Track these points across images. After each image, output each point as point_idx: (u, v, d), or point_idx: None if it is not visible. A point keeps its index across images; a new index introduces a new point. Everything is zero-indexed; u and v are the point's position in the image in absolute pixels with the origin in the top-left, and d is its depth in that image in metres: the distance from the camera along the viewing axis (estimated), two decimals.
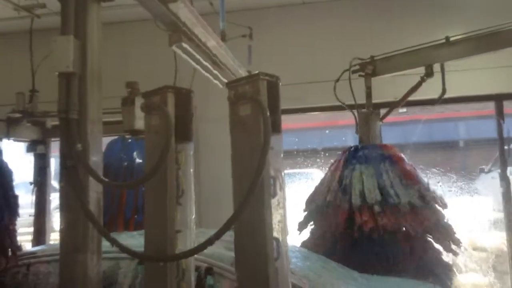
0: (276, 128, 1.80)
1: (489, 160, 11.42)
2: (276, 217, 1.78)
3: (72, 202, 1.95)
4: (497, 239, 7.45)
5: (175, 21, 2.83)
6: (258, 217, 1.74)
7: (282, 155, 1.86)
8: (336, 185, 4.53)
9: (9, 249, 4.10)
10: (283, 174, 1.85)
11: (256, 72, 1.80)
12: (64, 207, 1.99)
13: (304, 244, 4.55)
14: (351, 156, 4.72)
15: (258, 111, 1.74)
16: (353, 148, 4.87)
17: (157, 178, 1.87)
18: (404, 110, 6.64)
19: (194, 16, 2.82)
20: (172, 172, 1.94)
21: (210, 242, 1.67)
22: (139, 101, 3.51)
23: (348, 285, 2.91)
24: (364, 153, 4.67)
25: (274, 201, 1.78)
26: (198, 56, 3.39)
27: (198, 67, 3.55)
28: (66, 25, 2.04)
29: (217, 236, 1.64)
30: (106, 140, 5.25)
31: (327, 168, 5.17)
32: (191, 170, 2.05)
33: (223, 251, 2.73)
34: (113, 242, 1.88)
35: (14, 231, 4.31)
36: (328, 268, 3.28)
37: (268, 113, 1.72)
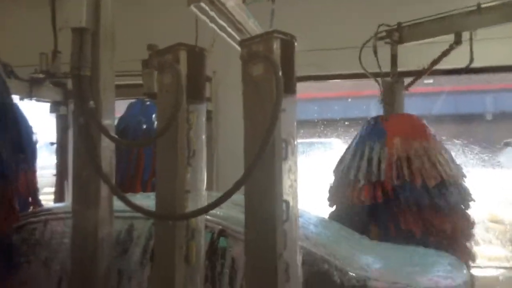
0: (289, 89, 1.74)
1: None
2: (286, 181, 1.74)
3: (83, 160, 1.96)
4: None
5: None
6: (268, 179, 1.71)
7: (295, 118, 1.81)
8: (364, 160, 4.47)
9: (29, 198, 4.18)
10: (295, 138, 1.80)
11: (270, 30, 1.73)
12: (76, 164, 2.00)
13: (332, 216, 4.55)
14: (371, 130, 4.64)
15: (270, 71, 1.69)
16: (375, 120, 4.76)
17: (168, 137, 1.85)
18: (431, 81, 6.46)
19: None
20: (183, 132, 1.91)
21: (218, 202, 1.66)
22: None
23: (366, 255, 2.88)
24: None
25: (285, 164, 1.74)
26: (217, 18, 3.31)
27: (217, 29, 3.47)
28: None
29: (226, 196, 1.62)
30: (126, 103, 5.27)
31: (347, 138, 5.10)
32: (203, 131, 2.02)
33: (238, 215, 2.72)
34: (124, 200, 1.89)
35: (35, 182, 4.37)
36: (350, 238, 3.25)
37: (281, 73, 1.66)
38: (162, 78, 1.97)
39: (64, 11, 1.97)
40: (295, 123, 1.80)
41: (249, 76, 1.77)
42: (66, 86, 5.63)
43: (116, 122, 3.82)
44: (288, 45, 1.75)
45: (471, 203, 4.46)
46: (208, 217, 2.39)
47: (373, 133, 4.70)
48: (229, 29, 3.59)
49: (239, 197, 2.17)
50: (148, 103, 4.98)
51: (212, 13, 3.21)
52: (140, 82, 4.65)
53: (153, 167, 4.81)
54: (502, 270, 5.23)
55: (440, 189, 4.29)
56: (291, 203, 1.76)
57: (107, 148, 2.00)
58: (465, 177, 4.57)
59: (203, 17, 3.24)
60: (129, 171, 4.73)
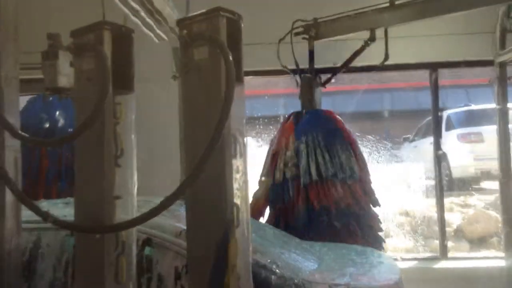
0: (238, 77, 1.52)
1: (411, 130, 11.95)
2: (236, 180, 1.52)
3: None
4: (423, 205, 7.77)
5: None
6: (216, 180, 1.48)
7: (244, 111, 1.60)
8: (292, 159, 4.38)
9: None
10: (244, 134, 1.59)
11: (214, 7, 1.50)
12: None
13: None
14: (300, 125, 4.56)
15: (217, 54, 1.45)
16: (297, 115, 4.70)
17: (91, 133, 1.53)
18: (333, 80, 6.58)
19: None
20: (110, 128, 1.61)
21: (159, 209, 1.39)
22: (62, 56, 3.06)
23: (303, 258, 2.75)
24: (314, 122, 4.53)
25: (234, 162, 1.52)
26: (131, 2, 2.99)
27: (128, 13, 3.15)
28: None
29: (169, 202, 1.36)
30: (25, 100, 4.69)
31: (265, 136, 5.01)
32: (133, 126, 1.73)
33: (164, 220, 2.44)
34: (35, 210, 1.54)
35: None
36: (285, 241, 3.11)
37: (231, 58, 1.43)
38: (81, 64, 1.64)
39: None
40: (244, 118, 1.59)
41: (191, 61, 1.52)
42: None
43: None
44: (235, 25, 1.54)
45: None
46: None
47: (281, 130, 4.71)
48: (143, 14, 3.28)
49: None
50: (50, 99, 4.46)
51: None
52: (40, 76, 4.15)
53: (58, 168, 4.32)
54: (414, 262, 5.45)
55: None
56: (240, 206, 1.55)
57: (11, 148, 1.63)
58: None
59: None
60: (29, 175, 4.18)
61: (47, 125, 4.37)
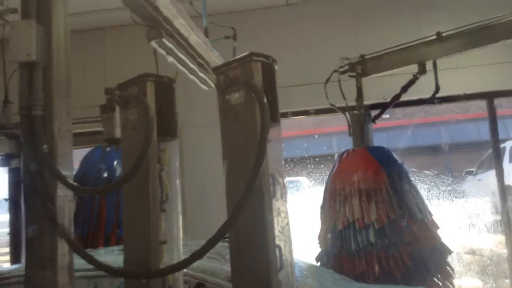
0: (274, 118, 1.55)
1: (473, 163, 11.43)
2: (278, 222, 1.52)
3: (37, 213, 1.67)
4: (491, 242, 7.30)
5: (153, 14, 2.58)
6: (257, 222, 1.48)
7: (282, 151, 1.61)
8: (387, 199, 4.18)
9: None
10: (284, 174, 1.60)
11: (248, 53, 1.55)
12: (29, 218, 1.70)
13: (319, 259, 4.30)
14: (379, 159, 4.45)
15: (253, 98, 1.49)
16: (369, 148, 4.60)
17: (137, 180, 1.60)
18: (387, 116, 6.49)
19: (174, 6, 2.58)
20: (154, 174, 1.67)
21: (201, 253, 1.40)
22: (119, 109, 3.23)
23: None
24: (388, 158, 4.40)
25: (275, 203, 1.52)
26: (180, 54, 3.15)
27: (180, 66, 3.30)
28: (27, 8, 1.78)
29: (210, 245, 1.37)
30: (84, 153, 4.96)
31: (317, 175, 4.95)
32: (177, 171, 1.78)
33: (215, 265, 2.45)
34: (87, 258, 1.60)
35: None
36: (345, 285, 3.01)
37: (265, 100, 1.47)
38: (127, 114, 1.74)
39: (11, 44, 1.72)
40: (283, 158, 1.60)
41: (228, 106, 1.57)
42: (18, 137, 5.31)
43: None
44: (269, 69, 1.57)
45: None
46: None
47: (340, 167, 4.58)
48: (193, 66, 3.44)
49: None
50: (108, 149, 4.68)
51: (175, 49, 3.05)
52: (99, 129, 4.40)
53: (116, 219, 4.48)
54: None
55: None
56: (283, 247, 1.54)
57: (64, 198, 1.71)
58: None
59: (164, 53, 3.07)
60: (90, 224, 4.36)
61: (105, 175, 4.56)
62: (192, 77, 3.56)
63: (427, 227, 4.12)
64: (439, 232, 4.21)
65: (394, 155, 4.58)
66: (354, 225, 4.09)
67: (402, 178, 4.25)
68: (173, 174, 1.75)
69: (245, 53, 1.55)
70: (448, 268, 4.14)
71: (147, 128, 1.57)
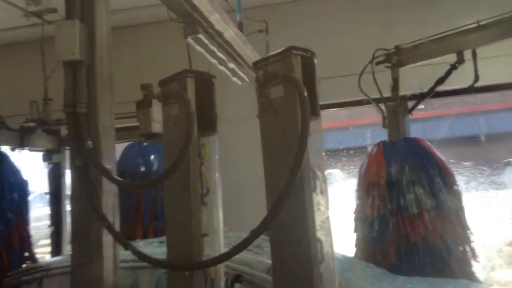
0: (314, 111, 1.55)
1: None
2: (318, 215, 1.52)
3: (83, 206, 1.73)
4: None
5: (189, 10, 2.60)
6: (298, 215, 1.48)
7: (323, 144, 1.61)
8: (386, 193, 4.22)
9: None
10: (324, 167, 1.60)
11: (287, 47, 1.55)
12: (75, 211, 1.77)
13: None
14: (391, 154, 4.41)
15: (292, 92, 1.49)
16: (385, 144, 4.56)
17: (178, 175, 1.63)
18: (422, 106, 6.36)
19: (210, 2, 2.59)
20: (195, 168, 1.69)
21: (243, 245, 1.42)
22: (155, 104, 3.28)
23: None
24: (407, 151, 4.37)
25: (315, 197, 1.53)
26: (214, 48, 3.17)
27: (214, 61, 3.32)
28: (71, 9, 1.83)
29: (252, 238, 1.39)
30: (122, 147, 5.06)
31: (352, 168, 4.92)
32: (217, 166, 1.81)
33: (252, 256, 2.47)
34: (131, 249, 1.65)
35: (28, 237, 4.14)
36: (386, 279, 3.00)
37: (306, 93, 1.47)
38: (168, 110, 1.77)
39: (56, 43, 1.78)
40: (323, 151, 1.60)
41: (267, 100, 1.57)
42: (58, 133, 5.47)
43: None
44: (309, 62, 1.57)
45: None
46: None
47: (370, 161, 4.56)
48: (227, 60, 3.45)
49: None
50: (145, 144, 4.77)
51: (210, 44, 3.07)
52: (135, 124, 4.49)
53: (153, 212, 4.56)
54: None
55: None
56: (324, 240, 1.54)
57: (109, 192, 1.77)
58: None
59: (200, 49, 3.09)
60: (128, 217, 4.46)
61: (143, 169, 4.65)
62: (224, 69, 3.58)
63: (424, 221, 4.04)
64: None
65: (425, 146, 4.48)
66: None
67: (403, 174, 4.20)
68: (213, 168, 1.78)
69: (284, 47, 1.55)
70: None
71: (188, 123, 1.59)
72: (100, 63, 1.87)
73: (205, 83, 1.77)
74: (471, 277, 3.89)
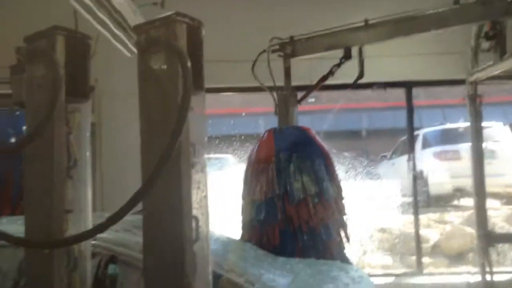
0: (198, 84, 1.46)
1: (389, 149, 12.09)
2: (195, 194, 1.45)
3: None
4: (400, 222, 7.76)
5: None
6: (173, 191, 1.40)
7: (205, 119, 1.54)
8: (274, 177, 4.28)
9: None
10: (205, 144, 1.53)
11: (173, 12, 1.44)
12: None
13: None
14: (280, 141, 4.48)
15: (175, 62, 1.39)
16: (275, 131, 4.63)
17: (41, 143, 1.45)
18: (312, 100, 6.59)
19: None
20: (61, 137, 1.52)
21: (109, 223, 1.30)
22: None
23: (280, 276, 2.67)
24: (295, 138, 4.46)
25: (194, 174, 1.45)
26: (100, 15, 2.95)
27: (100, 28, 3.09)
28: None
29: (118, 216, 1.28)
30: None
31: (243, 153, 4.94)
32: (87, 136, 1.65)
33: (130, 237, 2.34)
34: None
35: None
36: (261, 258, 3.03)
37: (189, 65, 1.38)
38: (32, 70, 1.56)
39: None
40: (205, 126, 1.53)
41: (148, 68, 1.45)
42: None
43: None
44: (195, 32, 1.48)
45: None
46: (94, 241, 2.00)
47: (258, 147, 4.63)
48: (115, 29, 3.24)
49: (133, 218, 1.83)
50: (18, 113, 4.34)
51: (95, 10, 2.86)
52: (9, 91, 4.05)
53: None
54: (392, 278, 5.41)
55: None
56: (200, 219, 1.47)
57: None
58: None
59: (85, 13, 2.87)
60: None
61: (13, 140, 4.24)
62: (111, 39, 3.36)
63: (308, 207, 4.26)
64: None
65: (312, 135, 4.65)
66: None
67: (290, 161, 4.37)
68: (84, 139, 1.62)
69: (170, 12, 1.44)
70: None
71: (54, 86, 1.42)
72: None
73: (79, 44, 1.60)
74: (345, 259, 4.13)
